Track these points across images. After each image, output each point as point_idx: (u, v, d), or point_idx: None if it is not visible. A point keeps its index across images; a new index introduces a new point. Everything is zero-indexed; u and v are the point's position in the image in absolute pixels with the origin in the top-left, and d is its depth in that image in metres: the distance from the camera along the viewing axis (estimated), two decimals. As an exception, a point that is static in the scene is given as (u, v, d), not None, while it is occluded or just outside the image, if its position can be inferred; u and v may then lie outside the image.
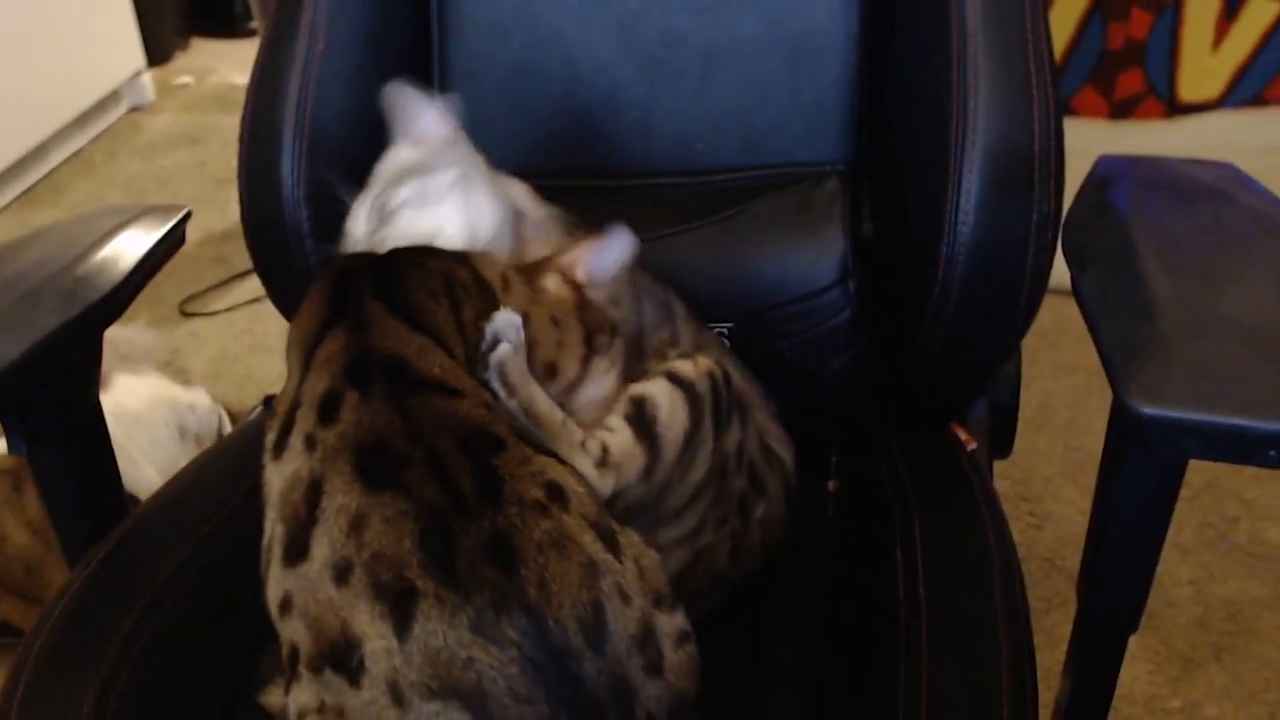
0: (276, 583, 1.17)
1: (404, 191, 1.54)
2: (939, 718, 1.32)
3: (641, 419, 1.39)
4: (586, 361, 1.42)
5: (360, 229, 1.55)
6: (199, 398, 3.36)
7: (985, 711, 1.32)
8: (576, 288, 1.45)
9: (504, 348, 1.29)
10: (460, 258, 1.41)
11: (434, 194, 1.54)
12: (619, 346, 1.48)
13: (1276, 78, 4.63)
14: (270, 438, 1.24)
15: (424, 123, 1.61)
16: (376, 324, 1.24)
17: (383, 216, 1.53)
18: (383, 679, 1.07)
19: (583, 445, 1.33)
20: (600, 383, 1.44)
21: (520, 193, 1.63)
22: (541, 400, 1.31)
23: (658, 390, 1.42)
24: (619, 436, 1.37)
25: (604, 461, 1.33)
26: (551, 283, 1.45)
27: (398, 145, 1.62)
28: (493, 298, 1.37)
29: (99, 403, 1.72)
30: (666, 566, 1.34)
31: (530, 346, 1.35)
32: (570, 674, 1.07)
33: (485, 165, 1.61)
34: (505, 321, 1.30)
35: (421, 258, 1.36)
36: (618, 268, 1.48)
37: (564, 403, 1.40)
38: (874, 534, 1.63)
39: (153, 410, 2.79)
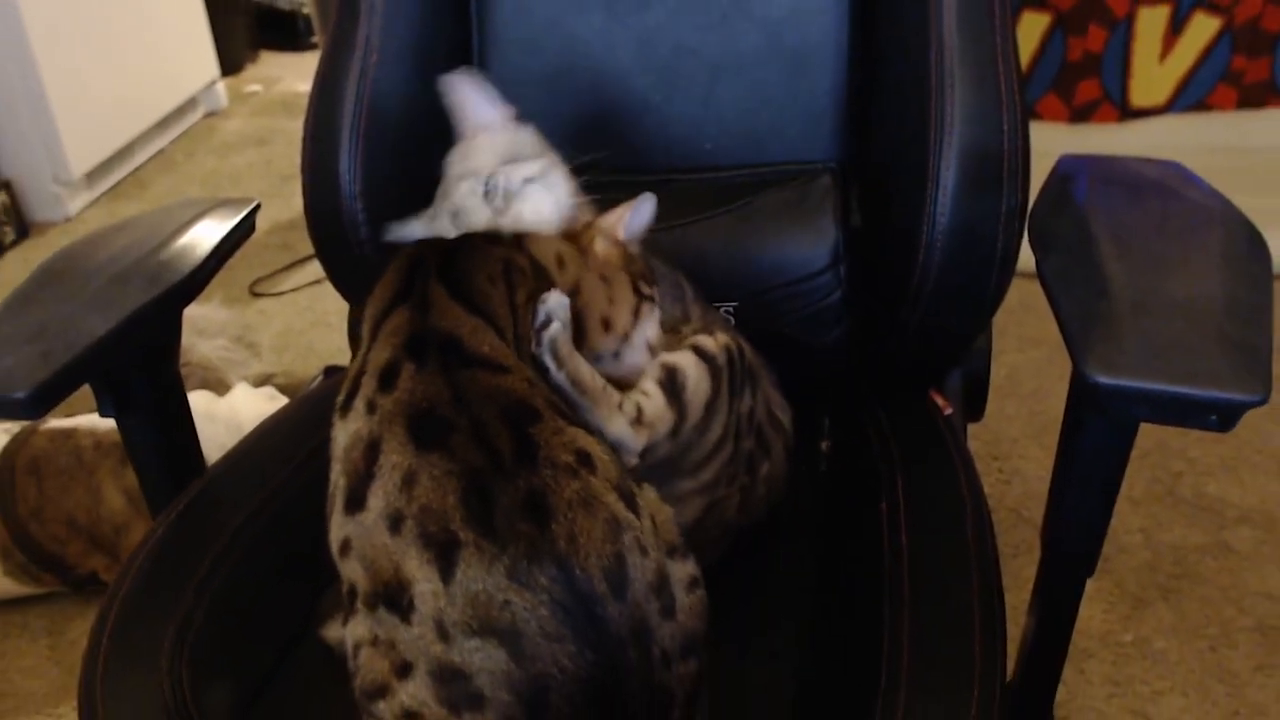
0: (338, 528, 1.19)
1: (521, 172, 1.56)
2: (919, 649, 1.32)
3: (672, 385, 1.41)
4: (637, 311, 1.44)
5: (481, 211, 1.56)
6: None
7: (960, 644, 1.33)
8: (619, 244, 1.49)
9: (555, 326, 1.30)
10: (519, 244, 1.43)
11: (541, 174, 1.57)
12: (658, 293, 1.52)
13: (1217, 86, 4.66)
14: (339, 399, 1.25)
15: (484, 110, 1.62)
16: (437, 305, 1.25)
17: (507, 196, 1.55)
18: (430, 617, 1.08)
19: (620, 407, 1.34)
20: (648, 325, 1.47)
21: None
22: (585, 370, 1.32)
23: (686, 362, 1.44)
24: (653, 400, 1.38)
25: (638, 420, 1.34)
26: (599, 245, 1.48)
27: (472, 134, 1.62)
28: (546, 279, 1.39)
29: (179, 374, 1.72)
30: (684, 514, 1.36)
31: (586, 307, 1.39)
32: (595, 616, 1.08)
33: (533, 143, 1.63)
34: (556, 302, 1.31)
35: (486, 245, 1.37)
36: (646, 225, 1.53)
37: (619, 351, 1.44)
38: (862, 488, 1.64)
39: (255, 419, 2.80)
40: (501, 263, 1.34)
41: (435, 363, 1.19)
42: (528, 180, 1.56)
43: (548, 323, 1.30)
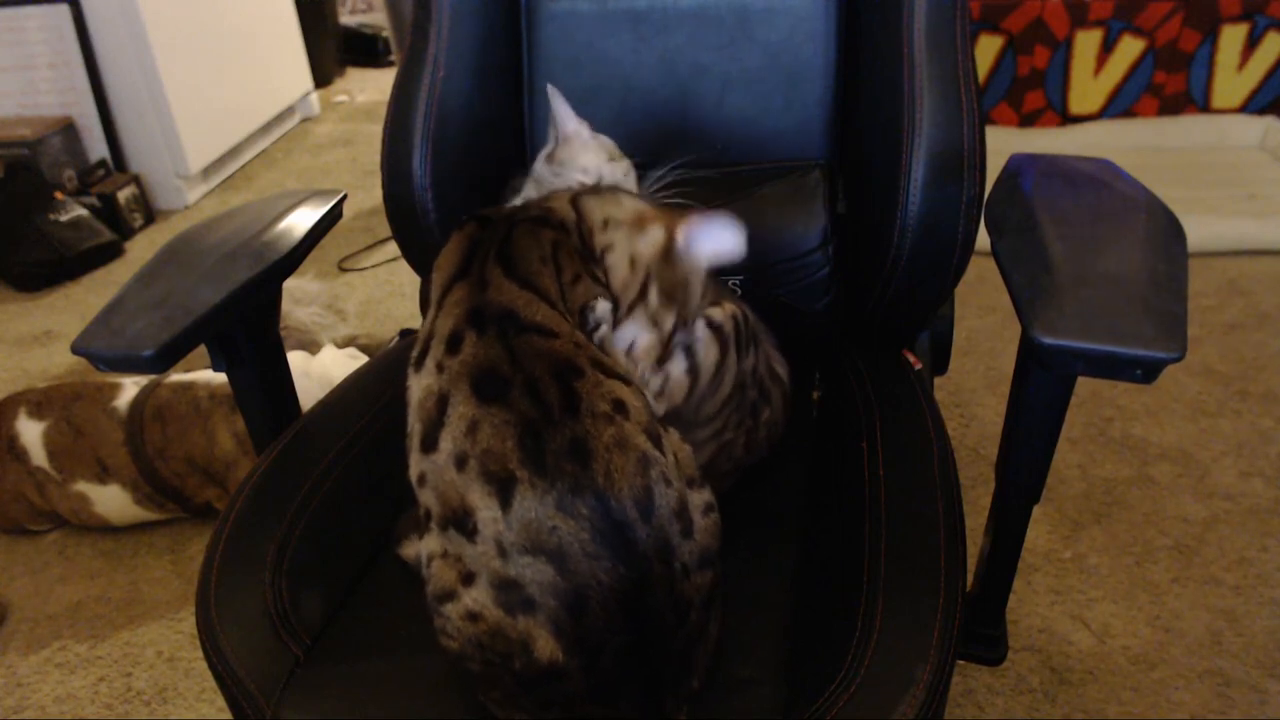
0: (415, 464, 1.21)
1: (608, 171, 1.68)
2: (894, 562, 1.33)
3: (688, 357, 1.41)
4: (632, 307, 1.41)
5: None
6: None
7: (927, 558, 1.33)
8: (670, 240, 1.40)
9: (604, 328, 1.33)
10: (576, 205, 1.43)
11: (625, 175, 1.70)
12: (670, 317, 1.41)
13: (1141, 97, 4.72)
14: (413, 354, 1.27)
15: (572, 120, 1.69)
16: (494, 282, 1.25)
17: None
18: (491, 539, 1.11)
19: (647, 385, 1.35)
20: (633, 328, 1.39)
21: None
22: (620, 362, 1.34)
23: (699, 332, 1.43)
24: (674, 375, 1.40)
25: (661, 393, 1.36)
26: (654, 231, 1.40)
27: (565, 139, 1.70)
28: (589, 246, 1.39)
29: (279, 336, 1.73)
30: (700, 456, 1.36)
31: (609, 271, 1.38)
32: (627, 539, 1.11)
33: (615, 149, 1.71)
34: (604, 310, 1.33)
35: (539, 229, 1.36)
36: (711, 248, 1.39)
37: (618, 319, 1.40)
38: (846, 429, 1.64)
39: (342, 375, 2.82)
40: (551, 245, 1.34)
41: (494, 331, 1.20)
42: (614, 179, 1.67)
43: (597, 326, 1.32)
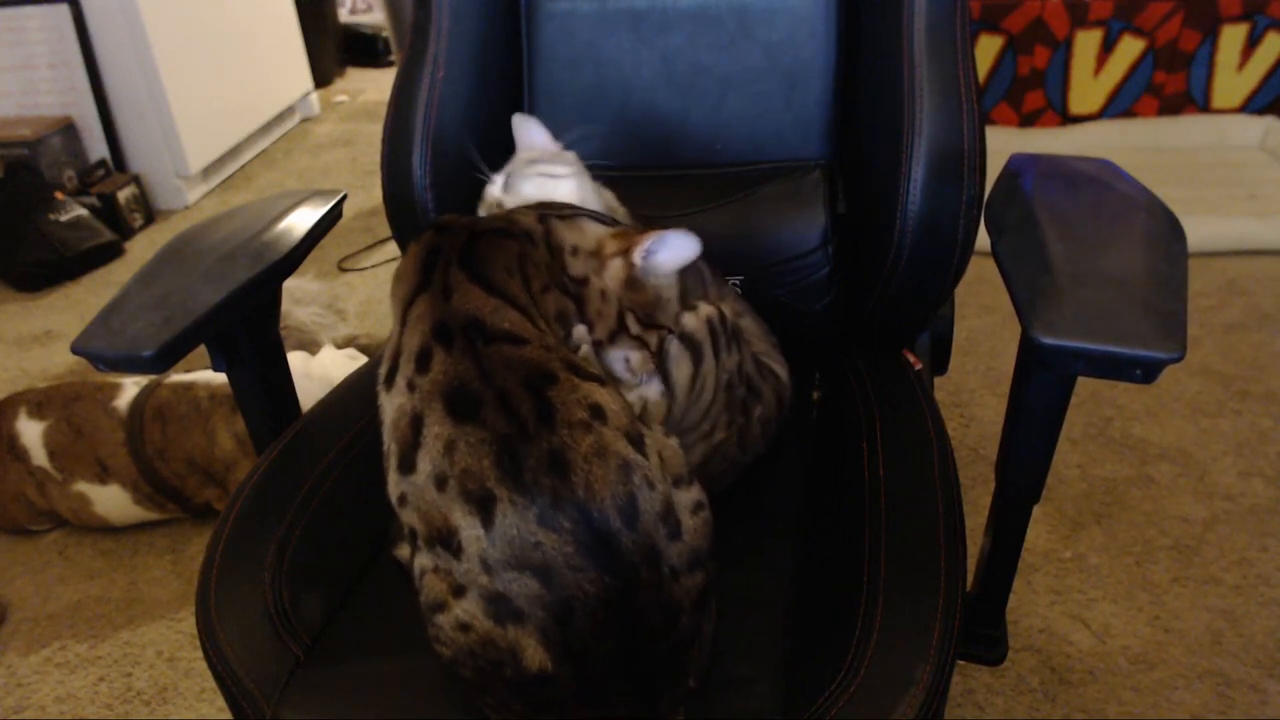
0: (394, 484, 1.21)
1: (533, 170, 1.57)
2: (894, 562, 1.33)
3: (663, 378, 1.43)
4: (613, 337, 1.41)
5: (496, 192, 1.59)
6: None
7: (927, 558, 1.33)
8: (628, 268, 1.41)
9: (585, 348, 1.34)
10: (546, 225, 1.41)
11: (554, 176, 1.58)
12: (654, 336, 1.45)
13: (1141, 97, 4.74)
14: (382, 371, 1.27)
15: (539, 139, 1.64)
16: (459, 290, 1.25)
17: (512, 184, 1.57)
18: (476, 556, 1.12)
19: (646, 397, 1.36)
20: (619, 355, 1.42)
21: (609, 195, 1.66)
22: (610, 371, 1.35)
23: (671, 349, 1.45)
24: (651, 397, 1.41)
25: (639, 417, 1.34)
26: (613, 265, 1.41)
27: (522, 151, 1.65)
28: (560, 263, 1.39)
29: (280, 336, 1.73)
30: (690, 458, 1.36)
31: (580, 303, 1.38)
32: (611, 548, 1.11)
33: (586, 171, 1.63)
34: (581, 334, 1.35)
35: (502, 239, 1.35)
36: (670, 261, 1.42)
37: (602, 341, 1.40)
38: (846, 430, 1.64)
39: (342, 375, 2.83)
40: (517, 257, 1.33)
41: (461, 344, 1.20)
42: (530, 177, 1.58)
43: (577, 348, 1.33)
